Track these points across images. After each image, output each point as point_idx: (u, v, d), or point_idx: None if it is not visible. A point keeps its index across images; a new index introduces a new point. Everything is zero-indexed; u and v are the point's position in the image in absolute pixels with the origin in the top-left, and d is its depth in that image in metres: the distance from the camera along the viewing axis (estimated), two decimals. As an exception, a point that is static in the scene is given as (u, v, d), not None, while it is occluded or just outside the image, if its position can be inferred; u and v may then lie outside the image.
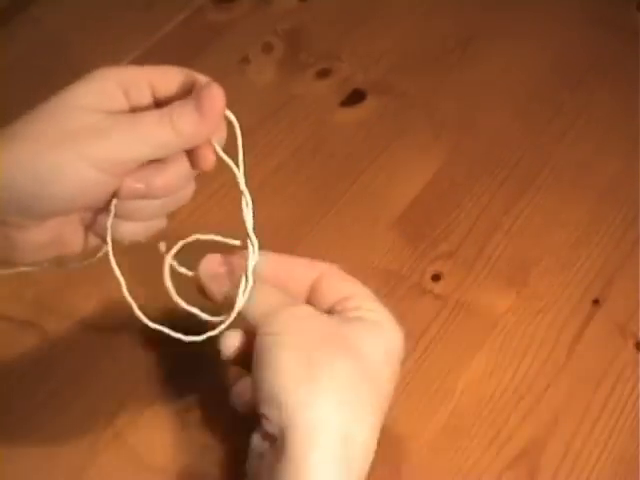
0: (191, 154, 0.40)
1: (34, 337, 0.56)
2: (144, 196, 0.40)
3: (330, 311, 0.44)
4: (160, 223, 0.42)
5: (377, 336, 0.42)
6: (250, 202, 0.42)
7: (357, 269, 0.59)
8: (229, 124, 0.42)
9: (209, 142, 0.40)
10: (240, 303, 0.43)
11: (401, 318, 0.56)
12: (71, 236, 0.42)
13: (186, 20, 0.76)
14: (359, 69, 0.72)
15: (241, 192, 0.42)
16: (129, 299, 0.42)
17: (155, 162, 0.39)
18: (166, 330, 0.43)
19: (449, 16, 0.76)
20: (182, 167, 0.40)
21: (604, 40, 0.73)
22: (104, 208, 0.40)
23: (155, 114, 0.38)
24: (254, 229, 0.43)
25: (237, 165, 0.41)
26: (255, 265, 0.43)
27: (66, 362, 0.55)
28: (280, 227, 0.61)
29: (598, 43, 0.73)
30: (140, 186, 0.39)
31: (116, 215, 0.40)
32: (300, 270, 0.46)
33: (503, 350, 0.56)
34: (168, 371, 0.54)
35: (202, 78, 0.40)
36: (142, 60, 0.72)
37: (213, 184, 0.62)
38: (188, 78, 0.40)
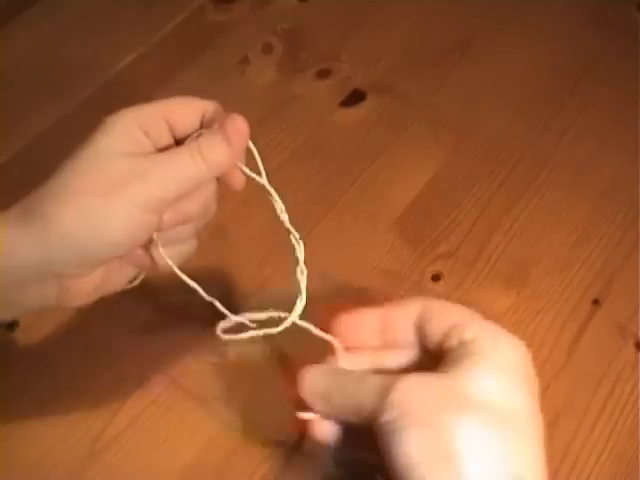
0: (220, 178, 0.43)
1: (34, 336, 0.56)
2: (181, 223, 0.43)
3: (440, 350, 0.39)
4: (192, 245, 0.46)
5: (484, 369, 0.36)
6: (282, 207, 0.44)
7: (357, 269, 0.59)
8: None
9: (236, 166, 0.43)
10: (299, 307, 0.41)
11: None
12: (116, 276, 0.44)
13: (186, 20, 0.76)
14: (359, 69, 0.72)
15: (273, 200, 0.44)
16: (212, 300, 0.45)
17: None
18: (246, 321, 0.43)
19: (449, 17, 0.76)
20: (210, 190, 0.43)
21: (604, 40, 0.73)
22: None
23: (186, 152, 0.41)
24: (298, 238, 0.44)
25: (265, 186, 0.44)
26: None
27: (66, 362, 0.55)
28: (280, 227, 0.61)
29: (598, 43, 0.73)
30: (178, 217, 0.42)
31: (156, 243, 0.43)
32: (401, 316, 0.40)
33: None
34: (170, 371, 0.54)
35: (212, 105, 0.43)
36: (142, 60, 0.72)
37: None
38: (201, 107, 0.43)
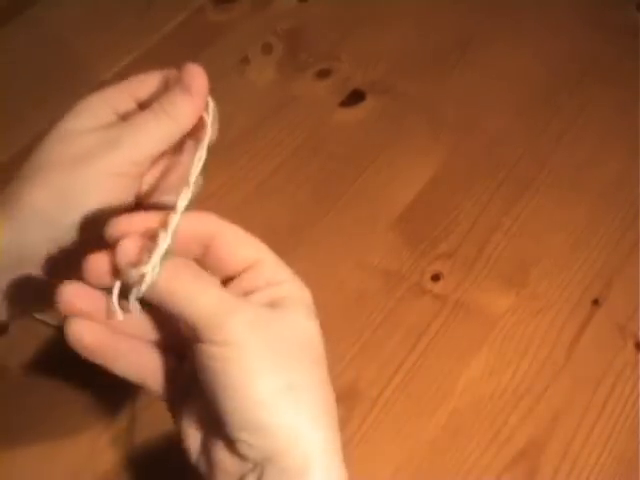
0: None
1: (33, 337, 0.56)
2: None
3: (233, 276, 0.38)
4: None
5: (304, 314, 0.37)
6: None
7: (357, 269, 0.59)
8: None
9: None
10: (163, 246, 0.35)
11: (401, 318, 0.57)
12: None
13: (186, 20, 0.76)
14: (359, 69, 0.72)
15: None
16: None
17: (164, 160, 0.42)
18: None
19: (449, 17, 0.76)
20: (188, 155, 0.42)
21: (604, 40, 0.73)
22: None
23: (149, 112, 0.40)
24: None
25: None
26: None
27: (66, 361, 0.55)
28: (280, 227, 0.61)
29: (598, 44, 0.73)
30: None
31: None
32: (187, 226, 0.37)
33: (503, 350, 0.56)
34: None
35: (174, 72, 0.42)
36: (142, 60, 0.72)
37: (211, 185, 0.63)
38: (163, 77, 0.43)
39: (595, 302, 0.58)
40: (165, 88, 0.42)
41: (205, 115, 0.41)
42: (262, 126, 0.67)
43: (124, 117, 0.42)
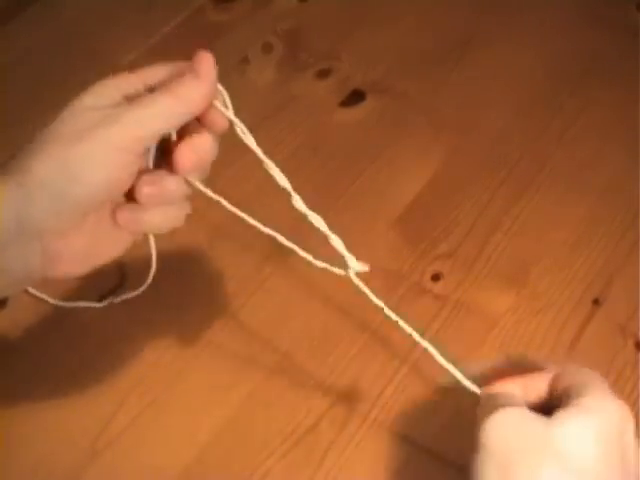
0: (204, 122, 0.43)
1: (34, 337, 0.56)
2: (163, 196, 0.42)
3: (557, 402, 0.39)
4: (185, 208, 0.45)
5: (583, 422, 0.36)
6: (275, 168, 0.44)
7: (357, 269, 0.59)
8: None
9: (214, 106, 0.42)
10: None
11: (401, 318, 0.57)
12: (107, 240, 0.43)
13: (186, 20, 0.76)
14: (359, 69, 0.72)
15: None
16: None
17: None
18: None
19: (449, 17, 0.76)
20: (200, 137, 0.43)
21: (604, 40, 0.73)
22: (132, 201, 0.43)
23: (158, 91, 0.41)
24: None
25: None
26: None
27: (66, 361, 0.55)
28: (279, 227, 0.61)
29: (598, 43, 0.73)
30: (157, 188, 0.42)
31: (148, 205, 0.42)
32: (536, 383, 0.41)
33: (503, 350, 0.56)
34: (170, 371, 0.54)
35: (186, 64, 0.43)
36: (142, 60, 0.72)
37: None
38: (174, 67, 0.44)
39: (595, 302, 0.58)
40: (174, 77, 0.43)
41: (218, 104, 0.42)
42: (262, 126, 0.67)
43: (132, 100, 0.42)
